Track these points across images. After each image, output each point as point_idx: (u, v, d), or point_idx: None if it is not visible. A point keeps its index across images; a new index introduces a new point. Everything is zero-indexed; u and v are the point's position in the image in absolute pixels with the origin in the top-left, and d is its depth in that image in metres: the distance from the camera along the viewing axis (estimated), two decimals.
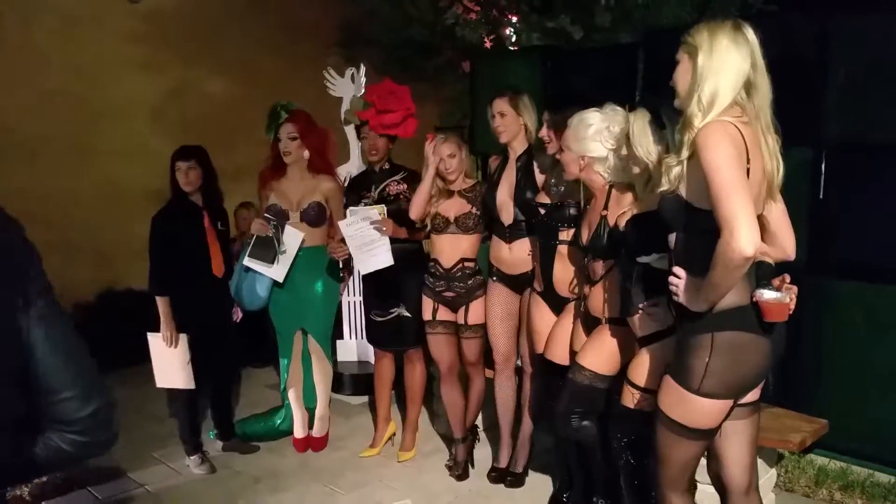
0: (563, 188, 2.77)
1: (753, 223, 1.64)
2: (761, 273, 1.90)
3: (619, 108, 2.39)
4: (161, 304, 3.35)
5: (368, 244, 3.35)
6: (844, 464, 3.14)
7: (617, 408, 2.29)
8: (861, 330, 3.08)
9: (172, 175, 3.39)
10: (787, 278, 1.90)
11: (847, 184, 3.13)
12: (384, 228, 3.32)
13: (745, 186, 1.68)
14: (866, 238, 3.08)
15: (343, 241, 3.37)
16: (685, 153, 1.79)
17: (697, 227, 1.80)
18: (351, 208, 3.41)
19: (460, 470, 3.37)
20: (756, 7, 4.55)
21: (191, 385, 3.43)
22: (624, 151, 2.23)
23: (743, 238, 1.63)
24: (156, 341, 3.39)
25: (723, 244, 1.66)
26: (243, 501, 3.19)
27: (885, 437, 3.01)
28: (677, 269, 1.86)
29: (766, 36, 1.82)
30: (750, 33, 1.79)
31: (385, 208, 3.37)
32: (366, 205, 3.47)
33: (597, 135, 2.37)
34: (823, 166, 3.17)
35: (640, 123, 2.15)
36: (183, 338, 3.38)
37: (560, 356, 2.81)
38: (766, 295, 1.77)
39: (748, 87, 1.79)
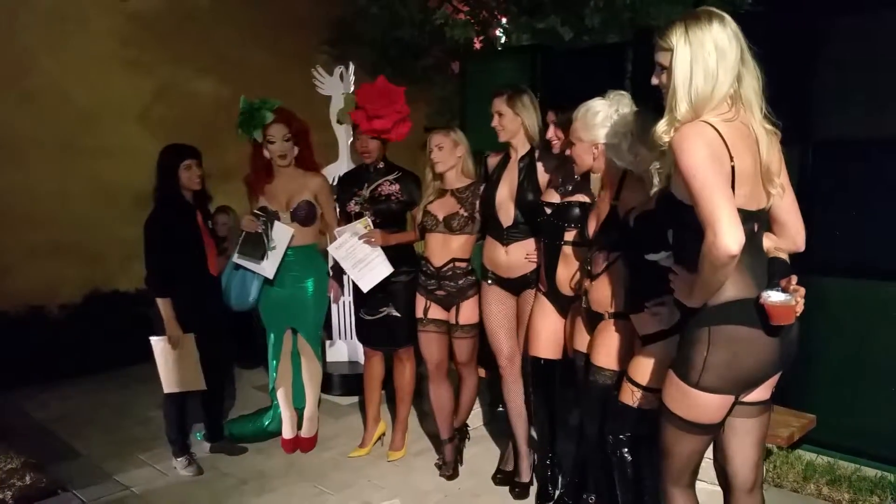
0: (570, 187, 2.74)
1: (735, 221, 1.63)
2: (774, 270, 1.87)
3: (623, 91, 2.38)
4: (164, 305, 3.27)
5: (363, 260, 3.36)
6: (832, 459, 3.16)
7: (615, 404, 2.28)
8: (849, 326, 3.10)
9: (171, 174, 3.32)
10: (794, 279, 1.86)
11: (835, 181, 3.16)
12: (373, 240, 3.32)
13: (724, 186, 1.67)
14: (855, 235, 3.10)
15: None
16: (668, 155, 1.77)
17: (687, 222, 1.78)
18: (337, 229, 3.42)
19: (450, 470, 3.36)
20: (743, 8, 4.57)
21: (202, 385, 3.38)
22: (631, 139, 2.22)
23: (727, 237, 1.61)
24: (160, 345, 3.31)
25: (707, 245, 1.65)
26: (230, 503, 3.16)
27: (872, 432, 3.03)
28: (675, 266, 1.86)
29: (754, 36, 1.81)
30: (732, 24, 1.76)
31: (370, 220, 3.36)
32: (356, 203, 3.47)
33: (606, 120, 2.34)
34: (811, 164, 3.20)
35: (642, 122, 2.13)
36: (189, 337, 3.32)
37: (544, 352, 2.83)
38: (773, 297, 1.74)
39: (738, 79, 1.76)
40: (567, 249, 2.69)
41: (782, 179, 1.86)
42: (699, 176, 1.66)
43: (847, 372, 3.11)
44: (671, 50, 1.76)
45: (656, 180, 1.87)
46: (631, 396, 2.20)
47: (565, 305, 2.74)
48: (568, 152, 2.50)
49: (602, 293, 2.42)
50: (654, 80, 1.86)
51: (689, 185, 1.68)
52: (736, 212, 1.65)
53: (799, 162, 3.18)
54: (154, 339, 3.32)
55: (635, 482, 2.25)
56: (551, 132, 2.79)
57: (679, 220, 1.84)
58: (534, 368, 2.90)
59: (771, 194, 1.83)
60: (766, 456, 3.06)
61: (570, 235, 2.68)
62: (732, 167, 1.71)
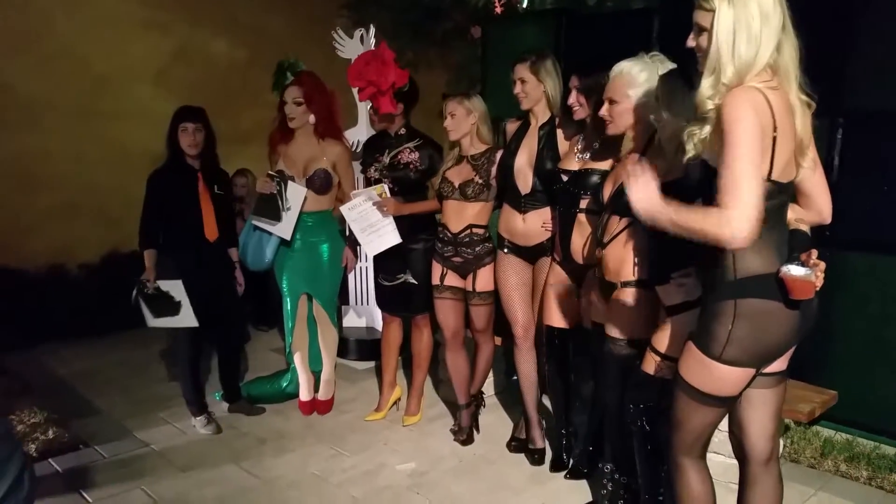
0: (589, 154, 2.70)
1: (756, 212, 1.57)
2: (795, 243, 1.84)
3: (659, 54, 2.33)
4: (147, 256, 3.38)
5: (373, 225, 3.35)
6: (850, 436, 3.14)
7: (638, 374, 2.26)
8: (873, 303, 3.05)
9: (173, 135, 3.34)
10: (815, 253, 1.84)
11: (865, 153, 3.07)
12: (385, 209, 3.30)
13: (759, 165, 1.63)
14: (883, 209, 3.02)
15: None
16: (711, 120, 1.72)
17: None
18: (353, 192, 3.42)
19: (464, 435, 3.38)
20: None
21: (193, 323, 3.39)
22: (655, 104, 2.17)
23: (737, 230, 1.57)
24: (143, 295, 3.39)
25: (717, 224, 1.59)
26: (249, 461, 3.21)
27: (893, 409, 3.00)
28: (642, 166, 1.78)
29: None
30: None
31: (386, 188, 3.34)
32: (376, 169, 3.44)
33: (651, 79, 2.27)
34: (841, 135, 3.11)
35: (669, 88, 2.08)
36: (177, 284, 3.34)
37: (558, 321, 2.83)
38: (793, 271, 1.71)
39: (778, 47, 1.70)
40: (582, 217, 2.66)
41: (812, 152, 1.83)
42: (740, 147, 1.61)
43: (870, 348, 3.07)
44: (713, 11, 1.69)
45: (690, 146, 1.81)
46: (653, 366, 2.19)
47: (580, 274, 2.72)
48: (604, 112, 2.41)
49: (614, 262, 2.39)
50: (690, 43, 1.79)
51: (727, 152, 1.63)
52: (761, 200, 1.60)
53: (828, 133, 3.10)
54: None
55: (654, 452, 2.25)
56: (573, 98, 2.72)
57: (713, 189, 1.79)
58: (548, 338, 2.90)
59: (801, 167, 1.80)
60: (784, 431, 3.04)
61: (585, 203, 2.65)
62: (774, 137, 1.67)
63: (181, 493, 2.93)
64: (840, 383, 3.02)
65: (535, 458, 3.16)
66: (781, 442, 2.95)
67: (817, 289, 1.78)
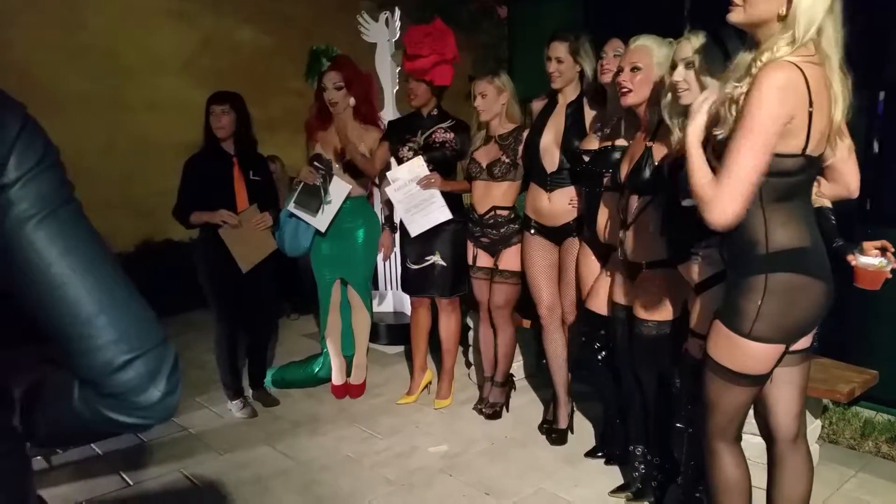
0: (607, 130, 2.68)
1: (740, 206, 1.60)
2: (822, 221, 1.82)
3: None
4: (195, 219, 3.34)
5: (419, 204, 3.33)
6: (892, 416, 3.06)
7: (684, 360, 2.22)
8: None
9: (207, 120, 3.36)
10: (891, 247, 1.81)
11: None
12: (433, 181, 3.28)
13: (763, 155, 1.60)
14: None
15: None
16: (744, 86, 1.66)
17: None
18: (388, 173, 3.39)
19: (490, 410, 3.41)
20: None
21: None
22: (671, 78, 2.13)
23: (718, 219, 1.62)
24: (226, 233, 3.33)
25: (707, 201, 1.63)
26: (284, 444, 3.26)
27: None
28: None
29: None
30: None
31: (422, 159, 3.31)
32: (410, 149, 3.43)
33: (668, 57, 2.24)
34: (883, 108, 3.01)
35: (710, 52, 2.02)
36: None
37: (600, 306, 2.77)
38: (865, 260, 1.68)
39: (821, 27, 1.64)
40: (607, 196, 2.63)
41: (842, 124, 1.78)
42: (753, 134, 1.59)
43: None
44: None
45: (723, 126, 1.76)
46: (698, 350, 2.14)
47: (606, 253, 2.70)
48: (625, 78, 2.33)
49: (637, 242, 2.36)
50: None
51: (740, 133, 1.61)
52: (752, 189, 1.60)
53: (869, 106, 3.00)
54: (220, 231, 3.35)
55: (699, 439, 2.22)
56: (610, 61, 2.64)
57: None
58: (584, 319, 2.87)
59: (833, 141, 1.75)
60: (823, 412, 2.98)
61: (608, 181, 2.62)
62: (810, 113, 1.62)
63: (219, 474, 3.00)
64: (881, 363, 2.94)
65: (555, 437, 3.16)
66: (819, 422, 2.89)
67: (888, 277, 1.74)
